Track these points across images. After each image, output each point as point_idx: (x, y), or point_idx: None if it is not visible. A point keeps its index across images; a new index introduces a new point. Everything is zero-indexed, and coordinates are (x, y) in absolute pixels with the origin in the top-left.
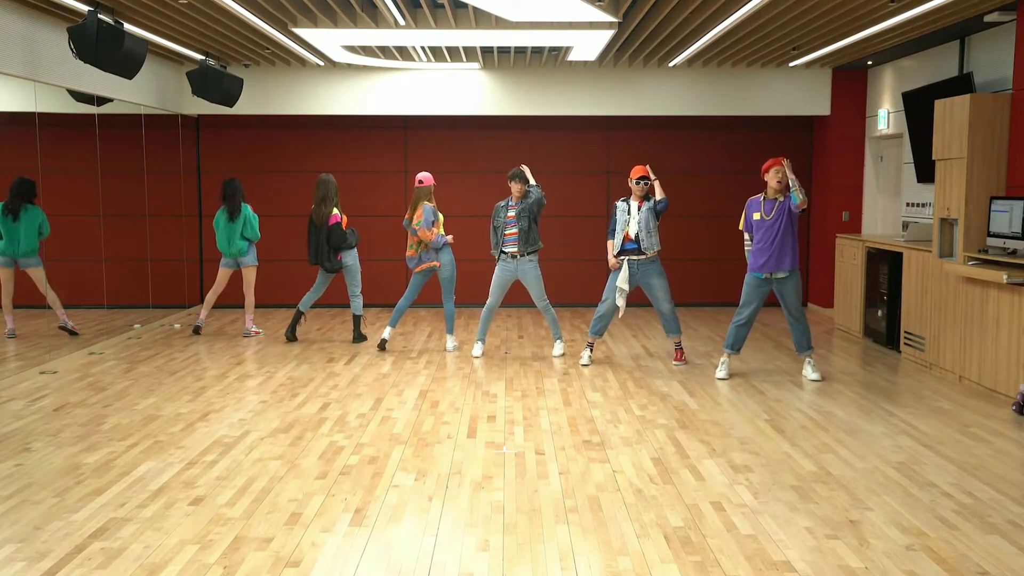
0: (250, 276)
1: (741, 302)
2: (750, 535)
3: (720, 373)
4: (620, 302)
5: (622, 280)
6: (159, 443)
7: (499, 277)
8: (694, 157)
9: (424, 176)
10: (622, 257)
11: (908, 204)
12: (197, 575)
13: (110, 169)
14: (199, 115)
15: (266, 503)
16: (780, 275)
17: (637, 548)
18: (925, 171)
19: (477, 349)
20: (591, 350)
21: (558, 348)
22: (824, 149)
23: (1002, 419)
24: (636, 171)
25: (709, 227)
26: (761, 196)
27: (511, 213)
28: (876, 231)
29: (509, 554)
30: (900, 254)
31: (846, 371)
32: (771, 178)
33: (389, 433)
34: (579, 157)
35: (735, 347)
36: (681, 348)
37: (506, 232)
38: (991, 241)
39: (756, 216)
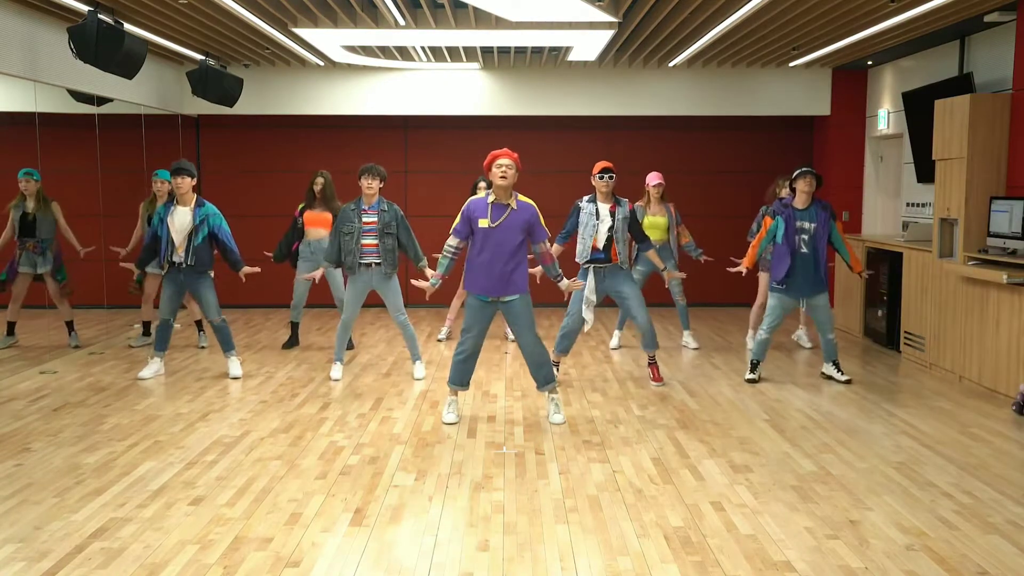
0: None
1: (464, 327)
2: (750, 535)
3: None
4: (588, 315)
5: (589, 290)
6: (159, 443)
7: (355, 289)
8: (694, 157)
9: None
10: (586, 267)
11: (908, 204)
12: (197, 575)
13: (110, 169)
14: (199, 115)
15: (266, 503)
16: (506, 299)
17: (637, 548)
18: (925, 171)
19: (336, 371)
20: (557, 369)
21: (419, 370)
22: (824, 149)
23: (1002, 419)
24: (600, 164)
25: (709, 227)
26: (487, 197)
27: (369, 219)
28: (876, 231)
29: (509, 554)
30: (900, 254)
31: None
32: (494, 174)
33: (389, 433)
34: (579, 157)
35: (463, 385)
36: (656, 364)
37: (363, 243)
38: (991, 241)
39: (483, 223)
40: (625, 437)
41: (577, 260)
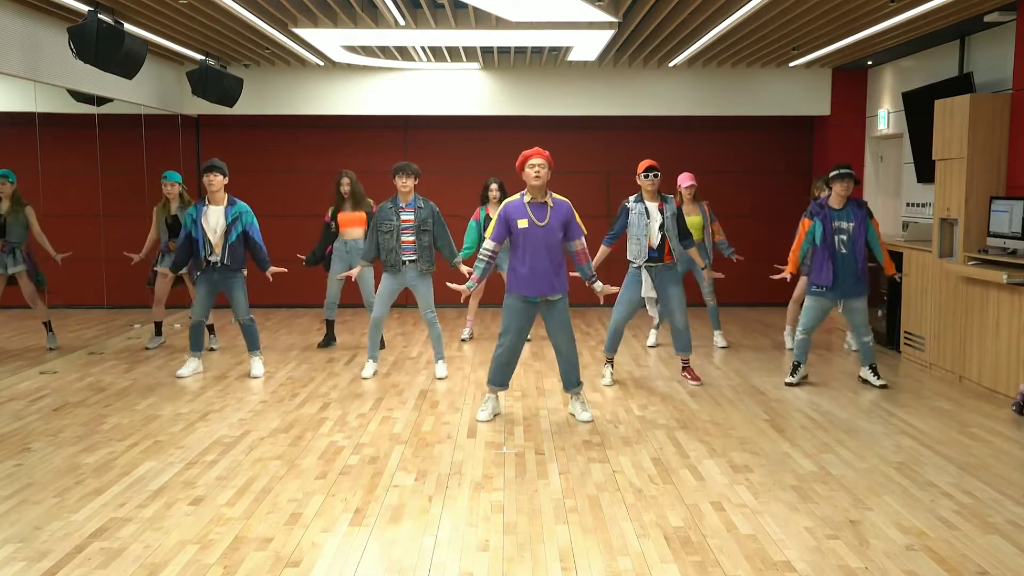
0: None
1: (502, 329)
2: (750, 535)
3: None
4: (653, 311)
5: (648, 289)
6: (159, 443)
7: (388, 286)
8: (694, 157)
9: None
10: (637, 268)
11: (908, 204)
12: (197, 575)
13: (110, 169)
14: (199, 115)
15: (266, 503)
16: (552, 297)
17: (637, 548)
18: (925, 171)
19: (368, 369)
20: (612, 366)
21: (440, 369)
22: (824, 149)
23: (1002, 419)
24: (644, 163)
25: None
26: (522, 197)
27: (406, 217)
28: None
29: (509, 554)
30: (900, 254)
31: (846, 371)
32: (527, 174)
33: (389, 433)
34: (579, 157)
35: (504, 384)
36: (690, 367)
37: (403, 239)
38: (991, 241)
39: (522, 224)
40: (625, 437)
41: (632, 260)
